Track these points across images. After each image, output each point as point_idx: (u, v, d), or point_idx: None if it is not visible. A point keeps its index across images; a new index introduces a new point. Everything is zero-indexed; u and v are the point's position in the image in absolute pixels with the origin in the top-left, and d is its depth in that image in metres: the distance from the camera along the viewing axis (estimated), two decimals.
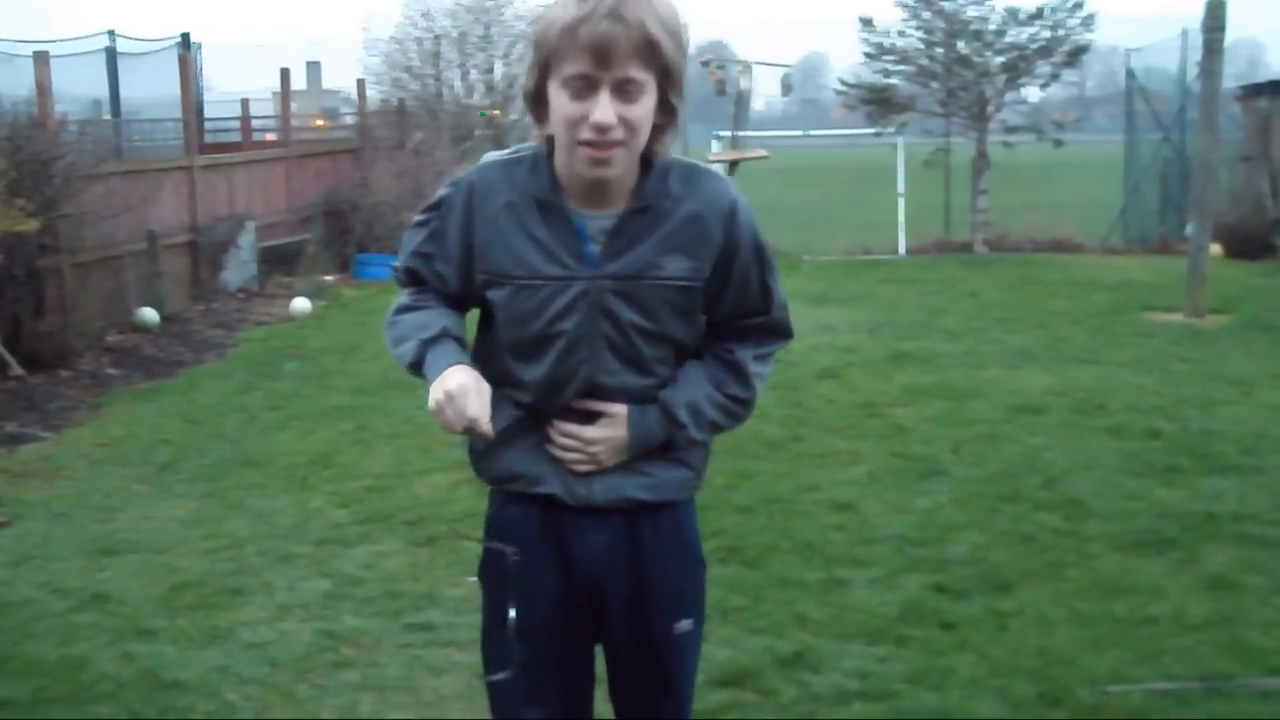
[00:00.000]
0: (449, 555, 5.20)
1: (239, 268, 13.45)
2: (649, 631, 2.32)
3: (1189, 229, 12.92)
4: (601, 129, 2.03)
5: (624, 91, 2.03)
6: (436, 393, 2.09)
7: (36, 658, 4.28)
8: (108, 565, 5.22)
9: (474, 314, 2.34)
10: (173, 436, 7.46)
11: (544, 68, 2.08)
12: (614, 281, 2.15)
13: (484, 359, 2.25)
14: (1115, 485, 6.01)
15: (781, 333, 2.37)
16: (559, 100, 2.06)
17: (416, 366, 2.20)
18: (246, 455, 6.95)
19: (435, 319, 2.24)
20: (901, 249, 16.64)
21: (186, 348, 10.62)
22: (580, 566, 2.28)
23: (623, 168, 2.10)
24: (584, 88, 2.03)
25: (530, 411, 2.24)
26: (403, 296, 2.32)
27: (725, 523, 5.50)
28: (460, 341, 2.22)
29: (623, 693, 2.41)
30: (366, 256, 14.87)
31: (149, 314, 11.23)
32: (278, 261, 14.20)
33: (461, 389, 2.08)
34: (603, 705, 2.46)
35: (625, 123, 2.04)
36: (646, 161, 2.15)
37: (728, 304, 2.27)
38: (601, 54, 2.01)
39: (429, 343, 2.19)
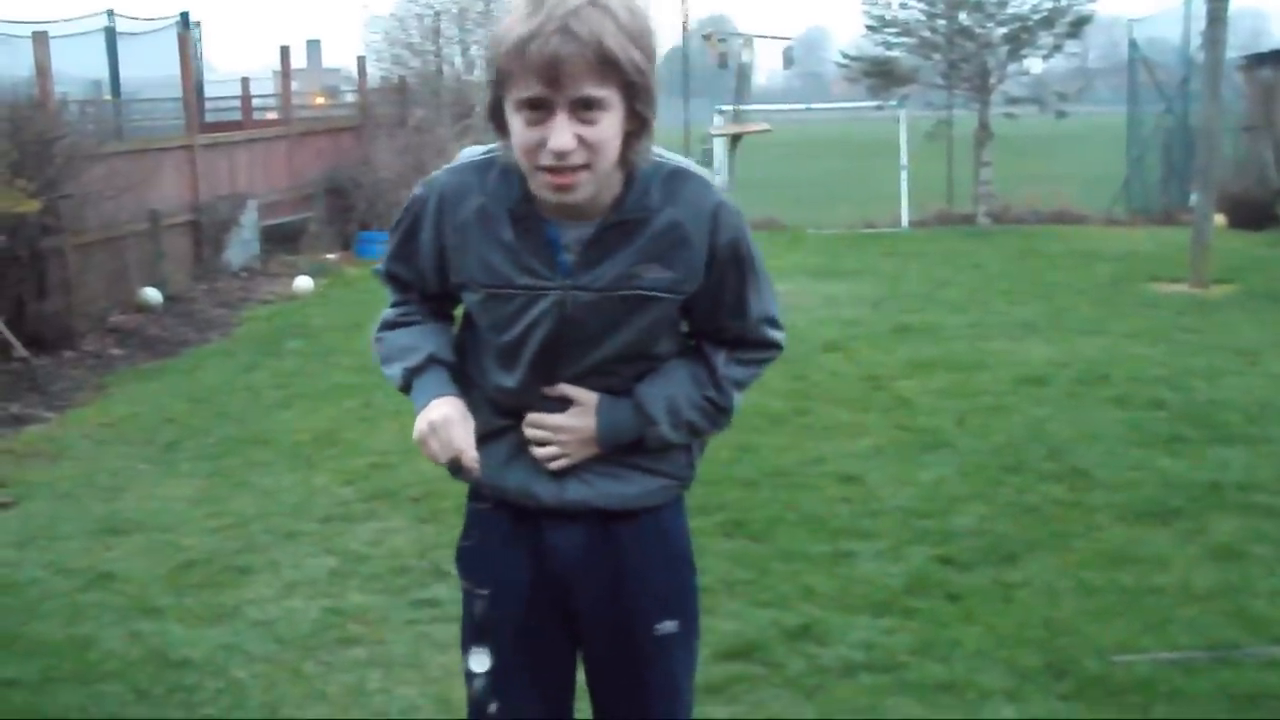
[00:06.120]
0: (454, 531, 5.19)
1: (241, 247, 13.43)
2: (628, 633, 2.20)
3: (1193, 199, 12.87)
4: (560, 155, 1.89)
5: (583, 111, 1.88)
6: (420, 424, 2.07)
7: (43, 637, 4.29)
8: (113, 545, 5.23)
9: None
10: (177, 416, 7.47)
11: (499, 87, 1.93)
12: (588, 293, 2.03)
13: (467, 354, 2.20)
14: (1120, 456, 6.00)
15: (764, 344, 2.21)
16: (515, 124, 1.92)
17: (405, 392, 2.18)
18: (251, 434, 6.96)
19: (421, 341, 2.18)
20: (904, 221, 16.59)
21: (190, 327, 10.62)
22: (552, 563, 2.18)
23: (591, 190, 1.96)
24: (539, 111, 1.89)
25: (508, 414, 2.15)
26: (387, 308, 2.25)
27: (730, 496, 5.51)
28: (447, 365, 2.16)
29: (604, 701, 2.28)
30: (369, 234, 14.82)
31: (152, 294, 11.22)
32: (280, 240, 14.18)
33: (445, 420, 2.06)
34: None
35: (586, 144, 1.89)
36: (629, 171, 2.01)
37: (701, 310, 2.13)
38: (552, 75, 1.85)
39: (414, 371, 2.15)
